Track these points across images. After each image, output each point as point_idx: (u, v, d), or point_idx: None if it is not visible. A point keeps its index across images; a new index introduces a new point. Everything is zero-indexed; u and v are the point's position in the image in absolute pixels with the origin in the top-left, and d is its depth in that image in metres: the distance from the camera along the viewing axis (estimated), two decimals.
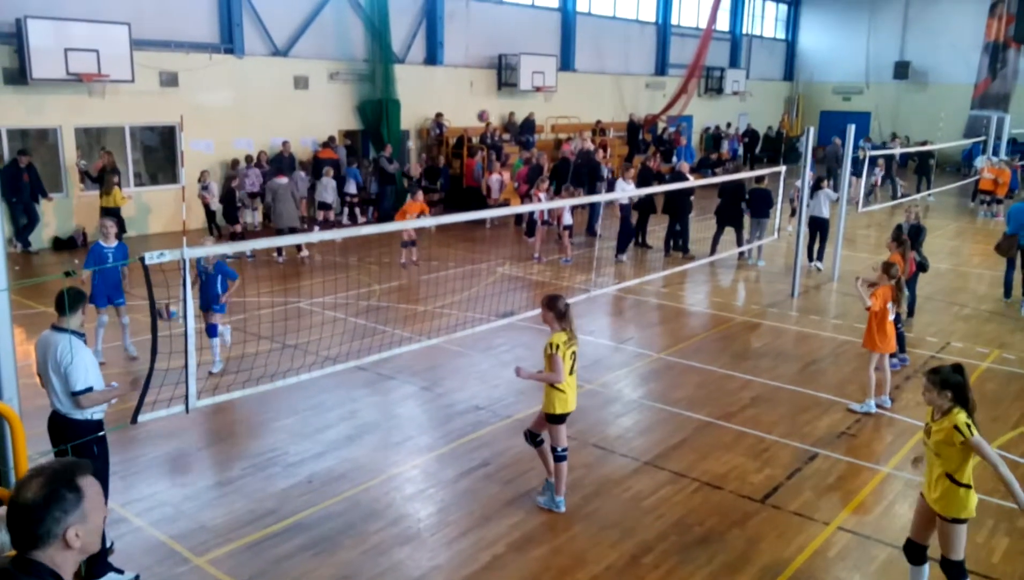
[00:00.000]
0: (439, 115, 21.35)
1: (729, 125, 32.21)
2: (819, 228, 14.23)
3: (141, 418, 5.50)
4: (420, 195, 14.08)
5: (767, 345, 10.46)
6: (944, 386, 4.72)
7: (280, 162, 17.98)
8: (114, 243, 9.04)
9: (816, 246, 14.30)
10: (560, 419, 6.05)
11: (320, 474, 6.70)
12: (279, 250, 14.42)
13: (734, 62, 34.06)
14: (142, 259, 5.22)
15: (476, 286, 12.95)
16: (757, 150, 32.61)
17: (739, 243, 14.94)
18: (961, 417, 4.63)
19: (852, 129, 13.23)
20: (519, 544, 5.74)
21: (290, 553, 5.56)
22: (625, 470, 6.87)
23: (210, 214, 16.45)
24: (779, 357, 9.97)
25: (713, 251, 14.67)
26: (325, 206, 16.62)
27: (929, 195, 23.51)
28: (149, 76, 16.24)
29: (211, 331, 8.89)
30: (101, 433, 5.26)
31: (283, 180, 14.68)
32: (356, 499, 6.30)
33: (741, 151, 30.92)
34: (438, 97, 21.62)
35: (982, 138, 25.34)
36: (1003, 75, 32.49)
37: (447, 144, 21.22)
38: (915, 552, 5.01)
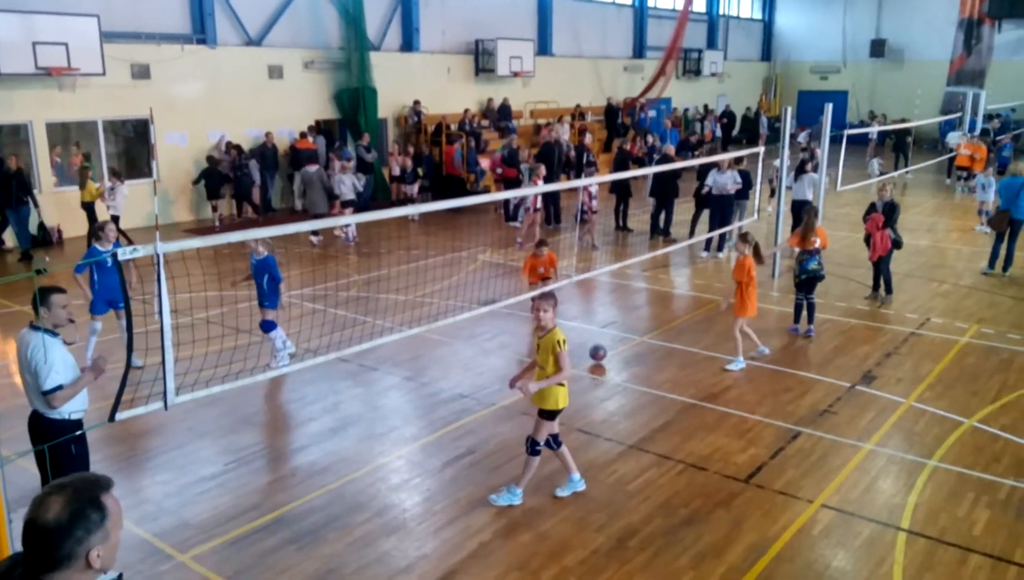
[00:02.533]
0: (417, 102, 21.20)
1: (707, 107, 32.24)
2: (801, 210, 14.24)
3: (119, 416, 5.42)
4: (545, 250, 10.39)
5: (748, 325, 10.47)
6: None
7: (263, 153, 17.83)
8: (109, 247, 8.74)
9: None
10: (558, 414, 6.01)
11: (304, 467, 6.65)
12: (315, 232, 14.97)
13: (711, 43, 34.05)
14: (115, 255, 5.14)
15: (457, 274, 12.90)
16: (735, 132, 32.69)
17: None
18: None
19: (829, 108, 13.25)
20: (506, 531, 5.73)
21: (275, 547, 5.52)
22: (610, 454, 6.87)
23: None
24: (761, 337, 9.99)
25: (692, 234, 14.69)
26: (348, 203, 15.73)
27: (907, 172, 23.67)
28: (120, 69, 15.98)
29: (264, 327, 8.79)
30: (80, 432, 5.19)
31: (313, 168, 15.45)
32: (341, 491, 6.27)
33: (720, 132, 30.98)
34: (415, 84, 21.46)
35: (958, 115, 25.52)
36: (978, 51, 32.72)
37: (425, 132, 21.08)
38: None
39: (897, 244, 11.14)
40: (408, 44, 21.67)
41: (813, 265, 9.84)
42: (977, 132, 23.21)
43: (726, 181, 14.11)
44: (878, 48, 35.09)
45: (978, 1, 32.21)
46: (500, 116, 23.06)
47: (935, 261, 13.80)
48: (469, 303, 10.03)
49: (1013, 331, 10.04)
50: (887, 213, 11.06)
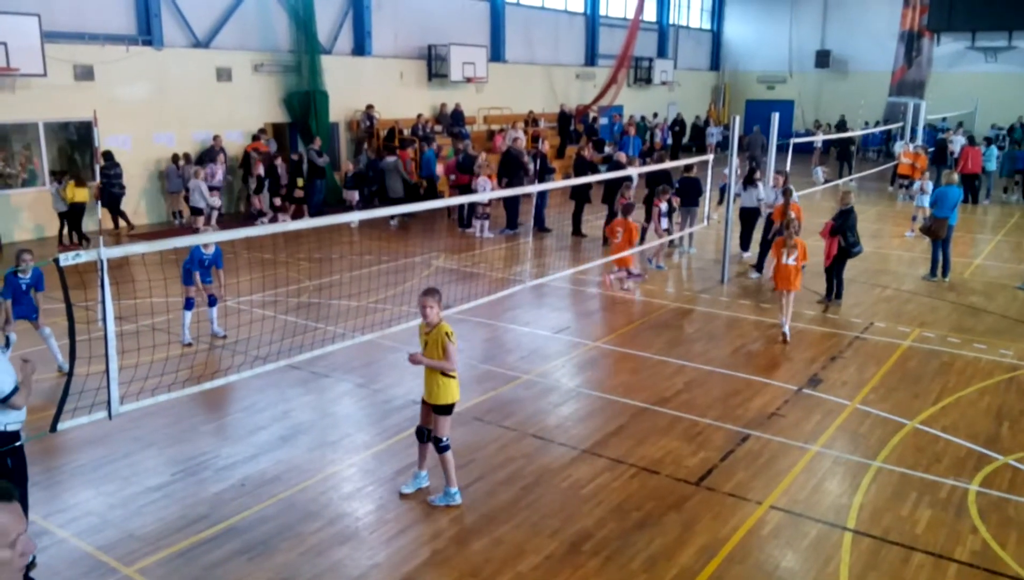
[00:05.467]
0: (370, 107, 21.05)
1: (656, 115, 32.67)
2: (750, 218, 14.52)
3: (60, 426, 5.27)
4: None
5: (699, 330, 10.65)
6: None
7: (211, 156, 17.49)
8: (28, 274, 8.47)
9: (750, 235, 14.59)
10: (453, 409, 6.10)
11: (253, 477, 6.53)
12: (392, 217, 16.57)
13: (662, 52, 34.53)
14: (56, 261, 4.99)
15: (411, 280, 12.82)
16: (685, 139, 33.19)
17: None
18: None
19: (776, 117, 13.55)
20: (459, 538, 5.70)
21: (224, 559, 5.41)
22: (564, 459, 6.90)
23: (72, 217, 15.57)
24: (711, 341, 10.16)
25: (643, 240, 14.85)
26: (197, 211, 15.88)
27: (851, 180, 24.30)
28: (62, 69, 15.55)
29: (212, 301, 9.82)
30: (17, 443, 5.01)
31: (392, 158, 17.86)
32: (292, 500, 6.17)
33: (670, 140, 31.41)
34: (368, 88, 21.31)
35: (899, 124, 26.28)
36: (918, 63, 33.79)
37: (378, 136, 20.94)
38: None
39: (848, 250, 11.45)
40: (360, 48, 21.52)
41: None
42: (918, 141, 23.94)
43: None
44: (823, 59, 35.99)
45: (918, 14, 33.28)
46: (453, 121, 23.03)
47: (878, 267, 14.18)
48: None
49: (953, 334, 10.37)
50: (838, 219, 11.39)
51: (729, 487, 6.43)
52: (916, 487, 6.46)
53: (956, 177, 14.16)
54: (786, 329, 10.16)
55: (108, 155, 15.94)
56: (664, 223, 14.08)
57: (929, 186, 16.83)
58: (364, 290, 11.94)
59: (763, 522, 5.96)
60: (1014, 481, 6.59)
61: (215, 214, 16.52)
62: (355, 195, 18.04)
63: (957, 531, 5.84)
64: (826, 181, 23.60)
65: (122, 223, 16.61)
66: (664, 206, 13.78)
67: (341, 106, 20.61)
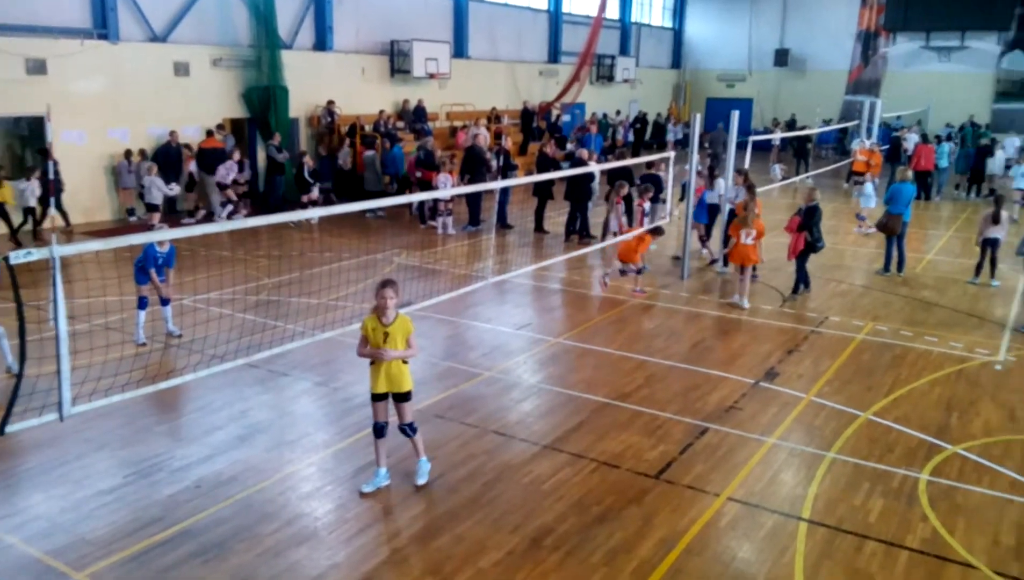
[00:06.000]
0: (331, 102, 20.85)
1: (619, 112, 32.86)
2: (711, 215, 14.66)
3: (9, 428, 5.14)
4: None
5: (660, 326, 10.74)
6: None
7: (167, 153, 17.17)
8: None
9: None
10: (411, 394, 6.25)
11: (209, 478, 6.43)
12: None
13: (624, 50, 34.73)
14: (6, 259, 4.87)
15: (373, 277, 12.73)
16: (647, 137, 33.43)
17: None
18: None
19: (736, 115, 13.70)
20: (420, 535, 5.69)
21: (178, 561, 5.32)
22: (525, 455, 6.91)
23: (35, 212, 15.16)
24: (671, 337, 10.26)
25: (604, 236, 14.94)
26: (152, 207, 15.47)
27: (808, 177, 24.68)
28: (14, 63, 15.14)
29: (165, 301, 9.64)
30: None
31: (371, 153, 18.66)
32: (248, 501, 6.09)
33: (632, 138, 31.61)
34: (329, 84, 21.10)
35: (855, 122, 26.79)
36: (874, 62, 34.46)
37: (339, 132, 20.75)
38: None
39: (813, 246, 11.76)
40: (321, 43, 21.29)
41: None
42: (874, 139, 24.40)
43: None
44: (782, 57, 36.50)
45: (875, 14, 33.93)
46: (415, 118, 22.92)
47: (834, 262, 14.42)
48: None
49: (905, 328, 10.60)
50: (806, 216, 11.63)
51: (688, 480, 6.50)
52: (869, 477, 6.60)
53: (910, 174, 14.46)
54: (745, 303, 11.25)
55: (45, 151, 15.58)
56: (625, 221, 14.13)
57: (870, 189, 17.32)
58: (324, 287, 11.83)
59: (721, 514, 6.03)
60: (963, 470, 6.76)
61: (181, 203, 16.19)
62: (315, 191, 17.85)
63: (908, 519, 5.98)
64: (783, 178, 23.95)
65: (59, 220, 16.14)
66: (647, 205, 13.82)
67: (301, 101, 20.37)
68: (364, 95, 22.21)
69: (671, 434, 7.35)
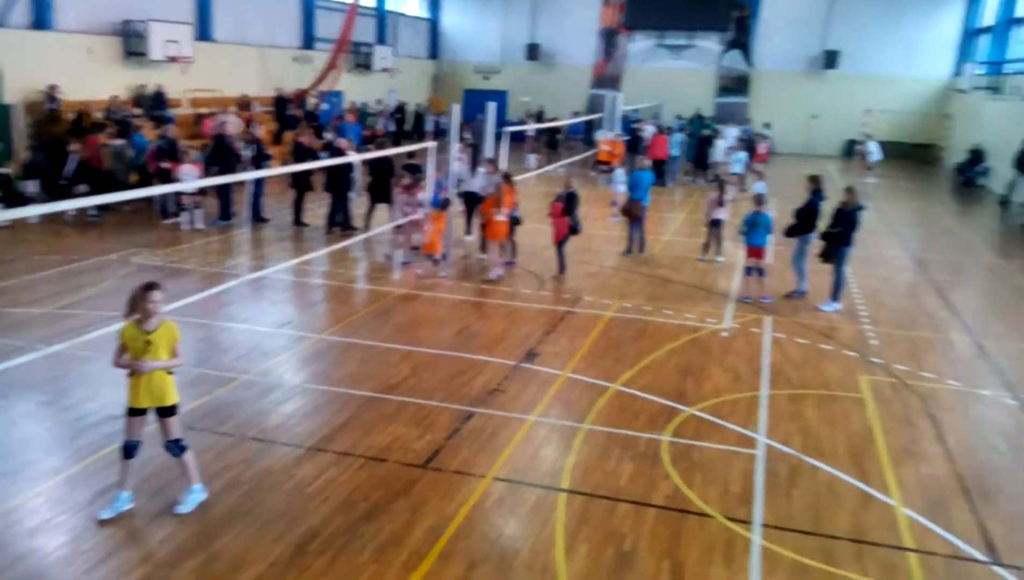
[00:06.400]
0: (53, 87, 18.57)
1: (379, 101, 32.59)
2: (472, 203, 14.97)
3: None
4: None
5: (424, 315, 10.81)
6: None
7: None
8: None
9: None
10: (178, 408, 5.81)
11: None
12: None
13: (381, 39, 34.42)
14: None
15: (107, 280, 11.56)
16: (407, 127, 33.46)
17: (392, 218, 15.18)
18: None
19: (493, 107, 14.11)
20: (170, 559, 5.24)
21: None
22: (288, 459, 6.63)
23: None
24: (436, 325, 10.36)
25: (367, 227, 14.76)
26: None
27: (560, 166, 26.08)
28: None
29: None
30: None
31: (120, 141, 17.07)
32: None
33: (393, 128, 31.48)
34: (50, 67, 18.77)
35: (599, 114, 28.70)
36: (616, 58, 37.09)
37: (60, 119, 18.55)
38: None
39: (574, 229, 12.64)
40: (41, 21, 18.87)
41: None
42: (617, 130, 26.28)
43: None
44: (533, 51, 38.14)
45: (616, 12, 36.48)
46: (154, 104, 21.10)
47: (584, 245, 15.30)
48: (120, 312, 9.01)
49: (647, 303, 11.54)
50: (568, 202, 12.30)
51: (455, 465, 6.59)
52: (619, 443, 7.09)
53: (648, 162, 15.77)
54: (499, 273, 12.34)
55: None
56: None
57: (621, 175, 18.70)
58: (50, 294, 10.54)
59: (487, 495, 6.18)
60: (698, 429, 7.49)
61: None
62: (31, 186, 15.81)
63: (653, 479, 6.51)
64: (538, 167, 25.10)
65: None
66: (422, 195, 13.73)
67: (18, 86, 17.95)
68: (93, 79, 20.04)
69: (438, 422, 7.41)
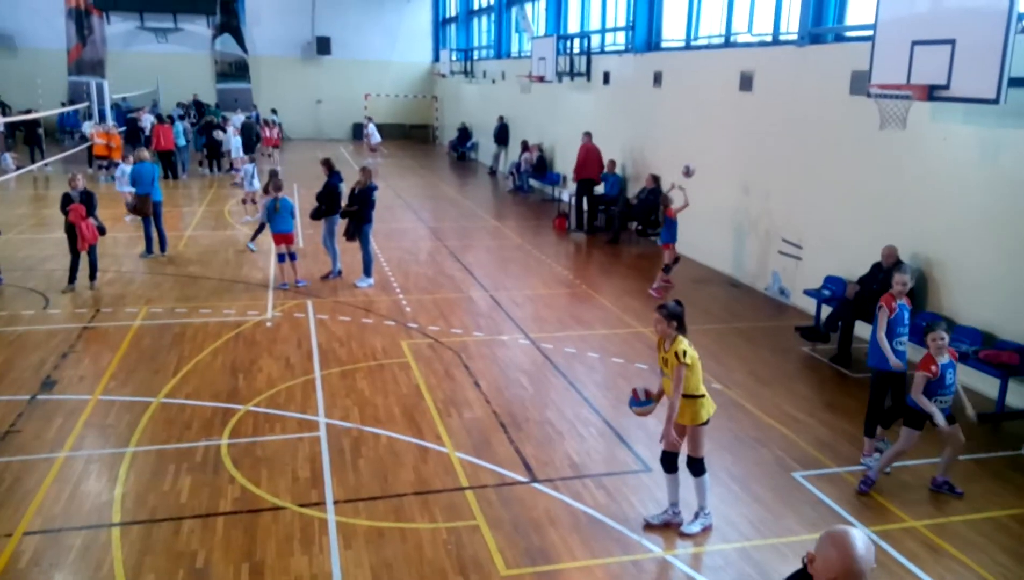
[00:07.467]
0: None
1: None
2: None
3: None
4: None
5: None
6: (671, 318, 5.42)
7: None
8: None
9: None
10: None
11: None
12: None
13: None
14: None
15: None
16: None
17: None
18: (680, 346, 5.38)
19: None
20: None
21: None
22: None
23: None
24: None
25: None
26: None
27: (47, 164, 22.71)
28: None
29: None
30: None
31: None
32: None
33: None
34: None
35: (87, 104, 25.55)
36: (92, 41, 33.20)
37: None
38: (670, 461, 5.71)
39: (102, 230, 11.46)
40: None
41: None
42: (109, 121, 23.65)
43: None
44: None
45: None
46: None
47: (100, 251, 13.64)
48: None
49: (179, 305, 10.78)
50: (87, 202, 10.73)
51: None
52: (174, 459, 6.55)
53: (147, 153, 14.57)
54: None
55: None
56: None
57: (123, 170, 16.93)
58: None
59: (19, 553, 5.22)
60: (256, 424, 7.29)
61: None
62: None
63: (218, 486, 6.17)
64: (18, 168, 21.52)
65: None
66: None
67: None
68: None
69: None
